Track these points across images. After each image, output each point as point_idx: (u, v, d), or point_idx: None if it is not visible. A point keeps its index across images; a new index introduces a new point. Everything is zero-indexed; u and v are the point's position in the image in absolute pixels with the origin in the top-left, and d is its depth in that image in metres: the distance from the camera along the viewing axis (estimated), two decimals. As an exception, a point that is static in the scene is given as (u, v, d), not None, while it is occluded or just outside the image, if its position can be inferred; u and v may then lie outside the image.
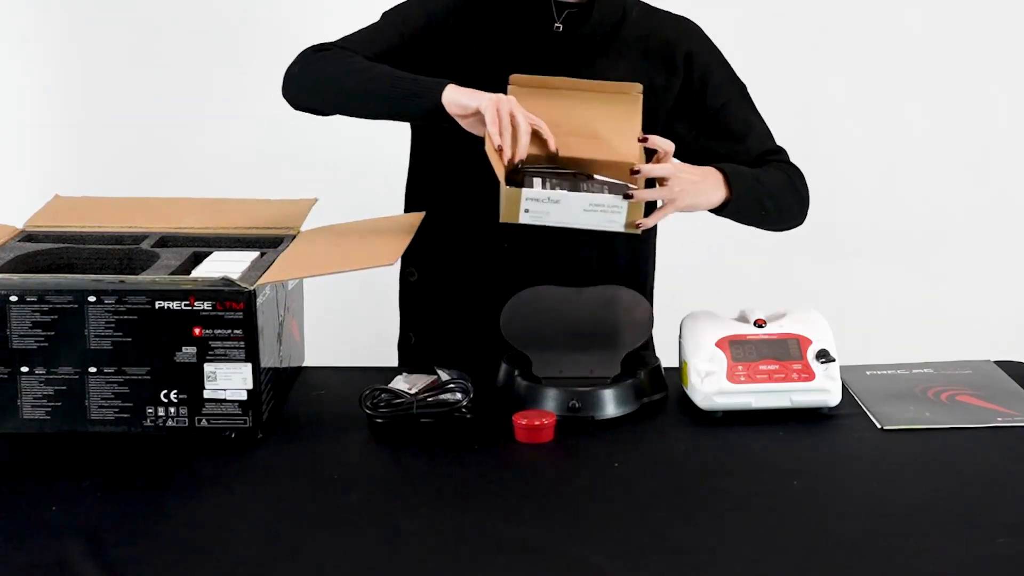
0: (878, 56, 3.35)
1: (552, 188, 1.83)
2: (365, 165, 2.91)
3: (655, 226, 2.22)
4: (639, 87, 1.99)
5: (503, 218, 1.83)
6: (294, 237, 2.11)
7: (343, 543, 1.59)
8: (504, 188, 1.81)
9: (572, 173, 1.89)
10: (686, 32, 2.15)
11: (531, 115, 1.92)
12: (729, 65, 2.18)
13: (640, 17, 2.13)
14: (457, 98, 1.93)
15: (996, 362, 2.14)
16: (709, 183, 2.00)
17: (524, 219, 1.81)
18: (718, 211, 2.04)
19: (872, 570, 1.53)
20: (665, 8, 2.18)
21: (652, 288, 2.28)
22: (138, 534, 1.61)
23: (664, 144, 1.95)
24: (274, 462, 1.81)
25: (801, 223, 2.18)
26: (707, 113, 2.13)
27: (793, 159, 2.17)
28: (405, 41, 2.10)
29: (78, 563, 1.53)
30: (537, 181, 1.85)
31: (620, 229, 1.83)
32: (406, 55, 2.08)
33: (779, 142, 2.17)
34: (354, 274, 1.90)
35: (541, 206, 1.81)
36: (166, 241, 2.10)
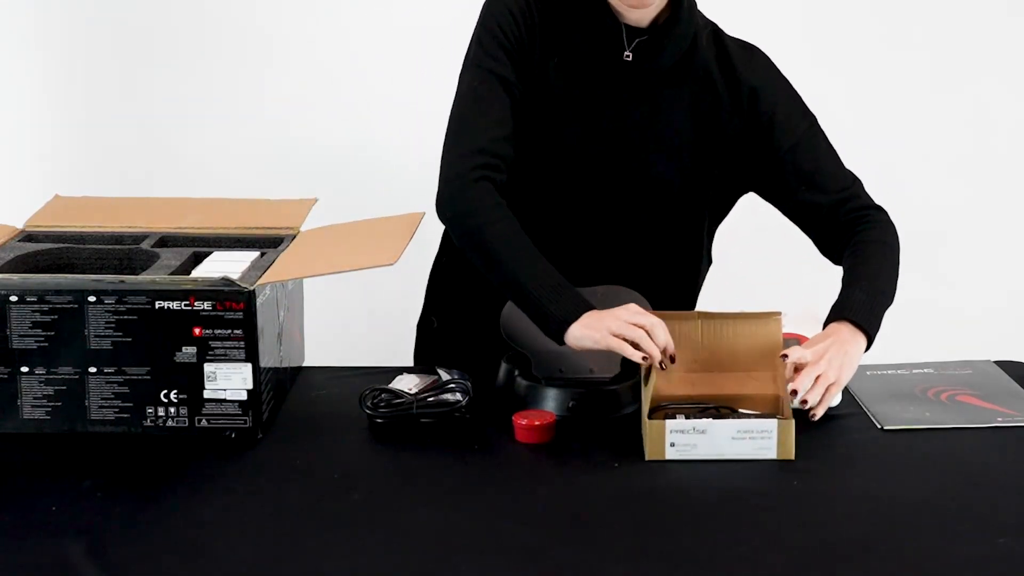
0: (878, 56, 3.35)
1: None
2: (365, 165, 2.91)
3: (707, 256, 2.24)
4: (779, 314, 1.93)
5: (649, 455, 1.79)
6: (294, 237, 2.11)
7: (343, 543, 1.59)
8: (647, 422, 1.79)
9: (715, 408, 1.85)
10: (755, 67, 2.08)
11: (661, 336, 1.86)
12: (798, 98, 2.11)
13: (708, 45, 2.06)
14: (581, 340, 1.86)
15: (996, 362, 2.14)
16: (849, 346, 1.91)
17: (671, 454, 1.78)
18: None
19: (872, 570, 1.53)
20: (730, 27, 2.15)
21: None
22: (138, 534, 1.61)
23: (801, 356, 1.87)
24: (274, 462, 1.81)
25: None
26: (777, 155, 2.06)
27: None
28: (513, 89, 1.99)
29: (78, 563, 1.53)
30: (680, 416, 1.81)
31: (773, 457, 1.78)
32: (517, 102, 2.00)
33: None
34: (354, 274, 1.90)
35: (687, 438, 1.78)
36: (166, 241, 2.10)
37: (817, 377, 1.85)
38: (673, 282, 2.17)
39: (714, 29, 2.09)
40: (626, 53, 1.99)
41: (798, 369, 1.85)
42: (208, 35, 3.34)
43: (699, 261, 2.20)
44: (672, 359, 1.87)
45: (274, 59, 3.33)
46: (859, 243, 2.04)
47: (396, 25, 3.20)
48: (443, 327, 2.26)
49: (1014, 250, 3.43)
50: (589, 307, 1.88)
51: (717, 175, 2.09)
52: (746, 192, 2.16)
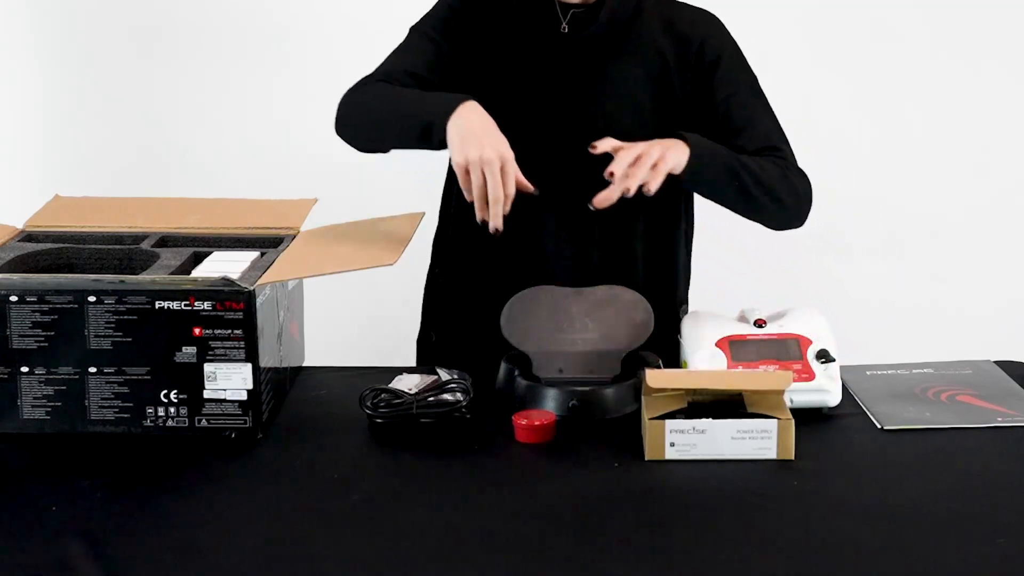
0: (878, 56, 3.35)
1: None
2: (365, 165, 2.90)
3: (690, 239, 2.25)
4: (789, 376, 1.85)
5: (648, 455, 1.79)
6: (294, 237, 2.11)
7: (343, 543, 1.59)
8: (647, 423, 1.79)
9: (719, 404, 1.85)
10: (702, 24, 2.12)
11: (516, 179, 1.88)
12: (742, 57, 2.13)
13: (655, 12, 2.10)
14: (451, 141, 1.89)
15: (996, 362, 2.14)
16: (674, 143, 1.96)
17: (671, 454, 1.78)
18: (691, 184, 2.01)
19: (872, 570, 1.53)
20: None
21: (682, 300, 2.27)
22: (138, 534, 1.61)
23: (611, 144, 1.93)
24: (274, 462, 1.81)
25: (799, 222, 2.13)
26: (712, 104, 2.09)
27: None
28: (445, 54, 2.08)
29: (78, 563, 1.53)
30: (681, 416, 1.81)
31: (774, 456, 1.79)
32: (444, 62, 2.08)
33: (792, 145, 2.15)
34: (354, 274, 1.90)
35: (687, 438, 1.78)
36: (166, 241, 2.10)
37: (638, 157, 1.89)
38: (648, 251, 2.17)
39: None
40: (563, 25, 2.03)
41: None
42: (209, 35, 3.34)
43: (674, 228, 2.20)
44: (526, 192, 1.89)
45: (274, 59, 3.33)
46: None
47: (397, 24, 3.20)
48: (442, 340, 2.26)
49: (1014, 250, 3.43)
50: (464, 99, 1.91)
51: (718, 128, 2.10)
52: None
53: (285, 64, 3.32)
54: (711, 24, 2.13)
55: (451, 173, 2.22)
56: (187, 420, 1.85)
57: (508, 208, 1.89)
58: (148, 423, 1.85)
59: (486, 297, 2.12)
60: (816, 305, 2.06)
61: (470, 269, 2.19)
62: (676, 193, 2.17)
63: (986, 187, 3.41)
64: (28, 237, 2.12)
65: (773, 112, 2.14)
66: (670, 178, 1.96)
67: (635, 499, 1.70)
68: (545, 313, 2.01)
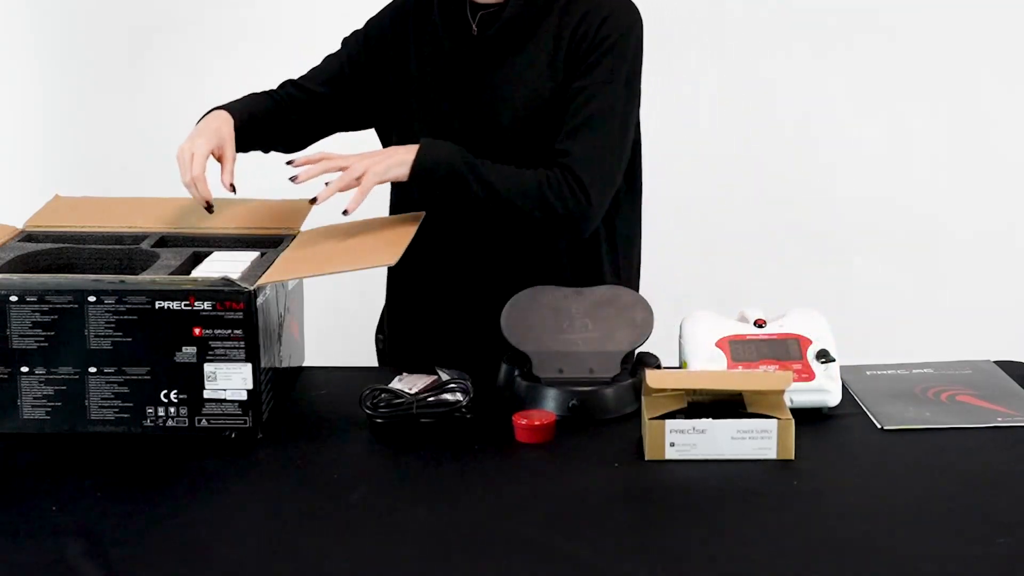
0: (878, 56, 3.35)
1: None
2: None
3: (638, 233, 2.27)
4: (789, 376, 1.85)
5: (649, 455, 1.79)
6: (294, 237, 2.11)
7: (343, 543, 1.59)
8: (647, 423, 1.79)
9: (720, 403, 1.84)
10: (607, 13, 2.09)
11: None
12: (622, 53, 2.08)
13: (568, 5, 2.11)
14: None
15: (996, 362, 2.14)
16: (394, 151, 2.03)
17: (671, 454, 1.78)
18: (422, 191, 2.03)
19: (872, 570, 1.52)
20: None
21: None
22: (138, 534, 1.61)
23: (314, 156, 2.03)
24: (274, 462, 1.81)
25: (568, 234, 2.10)
26: (568, 90, 2.09)
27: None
28: (352, 63, 2.21)
29: (78, 563, 1.53)
30: (681, 416, 1.81)
31: (774, 456, 1.79)
32: (352, 77, 2.21)
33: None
34: (355, 274, 1.90)
35: (687, 437, 1.78)
36: (166, 241, 2.10)
37: (340, 168, 1.99)
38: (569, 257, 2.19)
39: None
40: (473, 27, 2.10)
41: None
42: (209, 34, 3.34)
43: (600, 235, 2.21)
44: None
45: (275, 59, 3.32)
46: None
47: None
48: (394, 341, 2.30)
49: (1014, 250, 3.43)
50: (217, 109, 2.13)
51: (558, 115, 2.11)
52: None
53: (285, 64, 3.31)
54: (617, 12, 2.10)
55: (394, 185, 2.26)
56: (187, 420, 1.85)
57: (200, 190, 2.03)
58: (148, 423, 1.85)
59: (438, 297, 2.21)
60: (816, 305, 2.06)
61: (424, 274, 2.22)
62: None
63: (986, 187, 3.41)
64: (28, 237, 2.12)
65: (614, 122, 2.08)
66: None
67: (635, 499, 1.70)
68: (545, 313, 2.01)
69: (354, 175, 1.98)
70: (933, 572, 1.53)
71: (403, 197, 2.22)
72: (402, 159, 2.01)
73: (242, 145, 2.16)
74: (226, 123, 2.11)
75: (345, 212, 1.96)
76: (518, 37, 2.11)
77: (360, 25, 2.27)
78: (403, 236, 1.96)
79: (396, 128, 2.20)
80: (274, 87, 2.27)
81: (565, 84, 2.10)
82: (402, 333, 2.30)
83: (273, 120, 2.22)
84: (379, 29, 2.22)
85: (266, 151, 2.27)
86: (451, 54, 2.14)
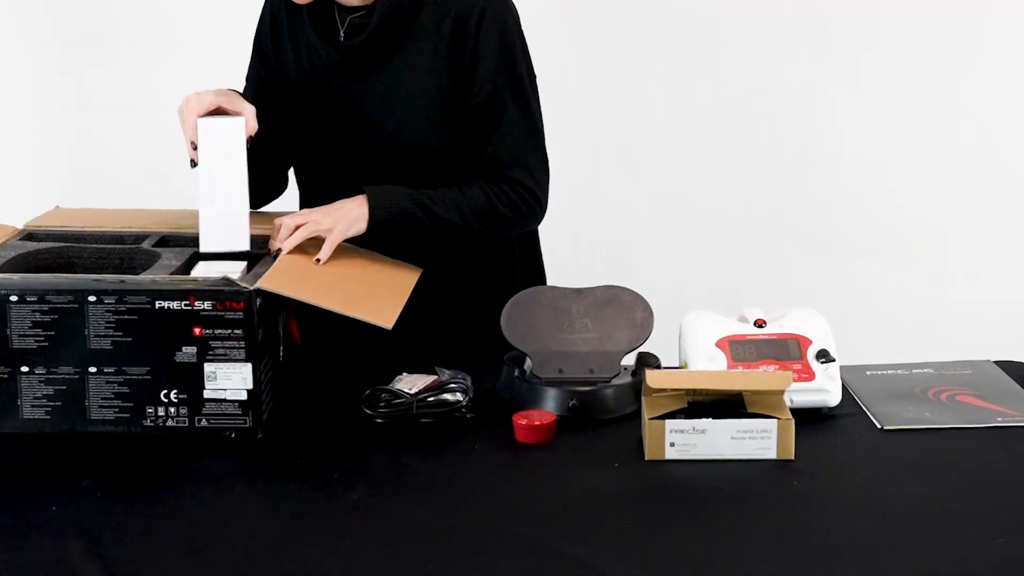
0: (878, 55, 3.35)
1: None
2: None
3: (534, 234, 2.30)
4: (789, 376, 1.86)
5: (649, 455, 1.79)
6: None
7: (343, 543, 1.59)
8: (647, 423, 1.79)
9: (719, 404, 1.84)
10: (473, 16, 2.08)
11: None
12: (515, 51, 2.10)
13: (437, 7, 2.09)
14: None
15: (996, 362, 2.14)
16: (349, 208, 2.03)
17: (671, 454, 1.78)
18: (385, 232, 2.05)
19: (872, 570, 1.53)
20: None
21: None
22: (138, 534, 1.61)
23: (285, 220, 2.01)
24: (274, 462, 1.81)
25: (519, 232, 2.21)
26: (470, 102, 2.09)
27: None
28: (256, 63, 2.21)
29: (78, 563, 1.53)
30: (681, 416, 1.81)
31: (774, 456, 1.78)
32: (259, 76, 2.20)
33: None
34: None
35: (687, 437, 1.78)
36: (166, 241, 2.10)
37: (301, 225, 1.99)
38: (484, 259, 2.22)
39: None
40: (340, 33, 2.09)
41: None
42: (209, 35, 3.34)
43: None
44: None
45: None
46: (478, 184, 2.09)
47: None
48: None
49: (1014, 250, 3.43)
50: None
51: (476, 128, 2.11)
52: None
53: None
54: (490, 13, 2.09)
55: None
56: (187, 420, 1.84)
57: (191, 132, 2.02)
58: (148, 423, 1.85)
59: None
60: (816, 305, 2.05)
61: None
62: None
63: (986, 187, 3.41)
64: (28, 236, 2.11)
65: (532, 115, 2.12)
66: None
67: (635, 499, 1.70)
68: (545, 313, 2.01)
69: (324, 226, 1.99)
70: (933, 572, 1.53)
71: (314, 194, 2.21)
72: (358, 215, 2.02)
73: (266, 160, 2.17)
74: (242, 99, 2.07)
75: (318, 261, 1.98)
76: (391, 41, 2.09)
77: None
78: (400, 295, 1.96)
79: (297, 139, 2.19)
80: None
81: (455, 88, 2.09)
82: (405, 333, 2.29)
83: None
84: (260, 43, 2.20)
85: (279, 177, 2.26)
86: (327, 61, 2.12)
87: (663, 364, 2.04)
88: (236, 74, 3.41)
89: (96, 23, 3.37)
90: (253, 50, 2.22)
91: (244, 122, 2.01)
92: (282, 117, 2.18)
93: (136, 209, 2.28)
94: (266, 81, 2.20)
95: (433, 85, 2.10)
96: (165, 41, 3.36)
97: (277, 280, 1.88)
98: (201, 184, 2.01)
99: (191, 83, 3.33)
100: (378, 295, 1.97)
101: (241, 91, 2.18)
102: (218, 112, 2.03)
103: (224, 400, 1.84)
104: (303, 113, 2.17)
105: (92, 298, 1.82)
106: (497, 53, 2.09)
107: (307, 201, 2.21)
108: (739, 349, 1.96)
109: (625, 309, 2.02)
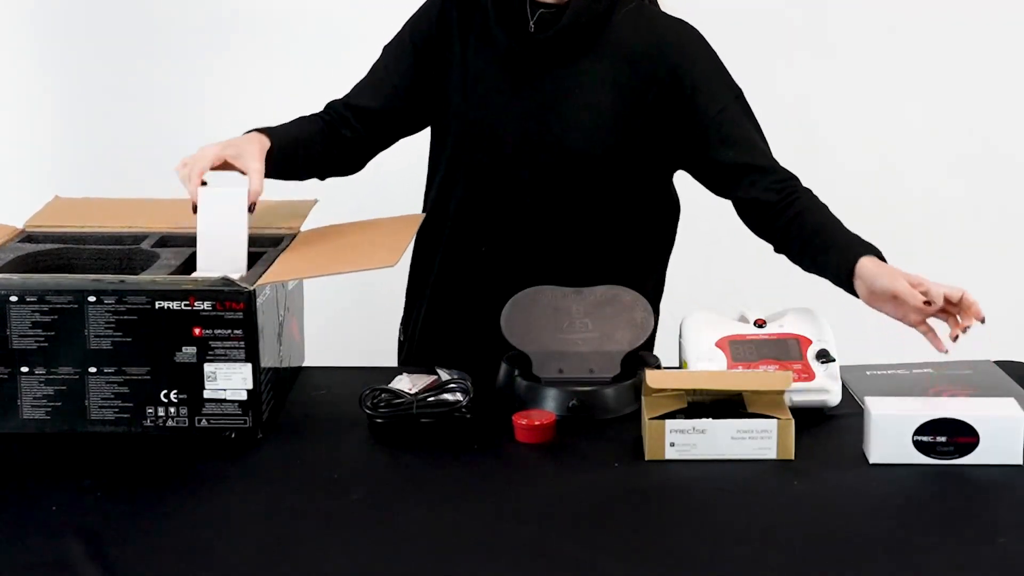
0: (878, 55, 3.35)
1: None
2: (366, 167, 2.91)
3: (670, 241, 2.32)
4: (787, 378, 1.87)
5: (649, 455, 1.79)
6: (294, 237, 2.11)
7: (343, 543, 1.59)
8: (647, 423, 1.79)
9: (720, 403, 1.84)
10: (680, 37, 2.10)
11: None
12: (724, 70, 2.12)
13: (628, 18, 2.09)
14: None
15: (996, 362, 2.14)
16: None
17: (671, 453, 1.78)
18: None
19: (872, 570, 1.53)
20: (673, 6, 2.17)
21: (656, 300, 2.28)
22: (138, 534, 1.61)
23: (938, 291, 1.99)
24: (274, 462, 1.81)
25: None
26: (704, 121, 2.08)
27: (791, 159, 2.17)
28: (400, 71, 2.16)
29: (78, 563, 1.53)
30: (681, 416, 1.81)
31: (774, 456, 1.79)
32: (403, 86, 2.16)
33: (775, 146, 2.16)
34: (354, 274, 1.90)
35: (687, 437, 1.78)
36: (166, 241, 2.10)
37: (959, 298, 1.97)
38: (619, 251, 2.18)
39: (639, 5, 2.11)
40: (531, 24, 2.06)
41: (949, 302, 1.96)
42: (209, 34, 3.34)
43: (639, 228, 2.21)
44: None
45: (275, 58, 3.33)
46: (810, 208, 2.15)
47: (395, 22, 3.20)
48: (418, 345, 2.29)
49: (1014, 250, 3.42)
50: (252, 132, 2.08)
51: (643, 146, 2.10)
52: (680, 167, 2.18)
53: (286, 65, 3.31)
54: (690, 37, 2.11)
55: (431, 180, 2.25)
56: (187, 420, 1.85)
57: (189, 189, 1.99)
58: (148, 423, 1.85)
59: (451, 302, 2.21)
60: (816, 305, 2.05)
61: (436, 274, 2.22)
62: (639, 203, 2.19)
63: (986, 187, 3.40)
64: (28, 237, 2.12)
65: (757, 122, 2.14)
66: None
67: (635, 499, 1.70)
68: (545, 313, 2.01)
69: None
70: (933, 571, 1.53)
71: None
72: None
73: (290, 171, 2.14)
74: (255, 142, 2.04)
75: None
76: (579, 42, 2.07)
77: (380, 26, 2.24)
78: (403, 238, 1.96)
79: (446, 128, 2.16)
80: (329, 104, 2.22)
81: (633, 103, 2.07)
82: (426, 330, 2.28)
83: (325, 142, 2.16)
84: (424, 31, 2.16)
85: (322, 178, 2.22)
86: (507, 54, 2.09)
87: (663, 364, 2.04)
88: (236, 69, 3.41)
89: (97, 24, 3.37)
90: (394, 40, 2.19)
91: (247, 190, 1.97)
92: (411, 110, 2.17)
93: (136, 199, 2.28)
94: (412, 68, 2.15)
95: (610, 96, 2.07)
96: (165, 40, 3.36)
97: (276, 275, 1.89)
98: (200, 248, 1.98)
99: (190, 80, 3.34)
100: (378, 246, 1.96)
101: (328, 106, 2.20)
102: (225, 165, 2.00)
103: (224, 400, 1.84)
104: (454, 105, 2.12)
105: (92, 298, 1.82)
106: (714, 73, 2.10)
107: (437, 188, 2.18)
108: (739, 349, 1.96)
109: (625, 309, 2.02)
